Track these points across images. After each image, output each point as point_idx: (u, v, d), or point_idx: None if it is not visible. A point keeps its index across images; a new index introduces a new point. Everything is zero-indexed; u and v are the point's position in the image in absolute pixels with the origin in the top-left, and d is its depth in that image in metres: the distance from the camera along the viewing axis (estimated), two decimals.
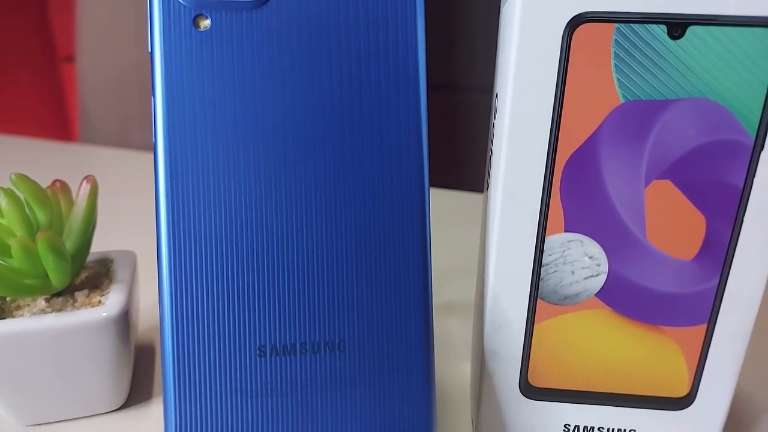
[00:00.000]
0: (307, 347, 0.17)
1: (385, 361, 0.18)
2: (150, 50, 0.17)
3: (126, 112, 0.67)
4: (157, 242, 0.18)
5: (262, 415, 0.17)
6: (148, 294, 0.28)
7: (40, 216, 0.21)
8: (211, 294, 0.17)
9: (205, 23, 0.17)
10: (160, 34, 0.17)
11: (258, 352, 0.17)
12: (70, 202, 0.23)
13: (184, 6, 0.17)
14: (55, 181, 0.24)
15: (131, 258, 0.24)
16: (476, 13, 0.57)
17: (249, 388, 0.17)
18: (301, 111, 0.18)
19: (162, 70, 0.17)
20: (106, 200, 0.47)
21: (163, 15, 0.17)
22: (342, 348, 0.18)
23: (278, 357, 0.17)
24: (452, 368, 0.27)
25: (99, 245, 0.25)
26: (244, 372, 0.17)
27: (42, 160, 0.55)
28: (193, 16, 0.17)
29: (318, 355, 0.17)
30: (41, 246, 0.20)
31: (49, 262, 0.20)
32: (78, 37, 0.69)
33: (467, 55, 0.63)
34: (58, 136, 0.91)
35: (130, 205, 0.42)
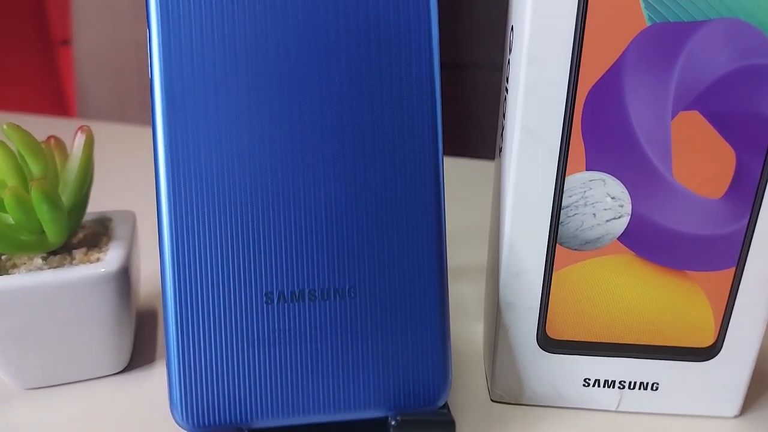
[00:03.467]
0: (316, 294, 0.16)
1: (398, 308, 0.17)
2: (147, 13, 0.16)
3: (124, 92, 0.66)
4: (155, 184, 0.17)
5: (270, 365, 0.16)
6: (149, 259, 0.27)
7: (34, 167, 0.20)
8: (214, 239, 0.16)
9: None
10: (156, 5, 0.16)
11: (265, 299, 0.16)
12: (65, 156, 0.22)
13: None
14: (50, 137, 0.23)
15: (131, 217, 0.23)
16: None
17: (255, 336, 0.16)
18: (305, 37, 0.16)
19: (159, 38, 0.16)
20: (105, 172, 0.46)
21: None
22: (353, 295, 0.17)
23: (286, 304, 0.16)
24: (464, 329, 0.26)
25: (97, 208, 0.25)
26: (251, 320, 0.16)
27: (39, 135, 0.54)
28: None
29: (327, 302, 0.16)
30: (35, 195, 0.19)
31: (43, 213, 0.19)
32: (73, 19, 0.68)
33: (470, 32, 0.61)
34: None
35: (130, 178, 0.41)
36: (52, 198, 0.19)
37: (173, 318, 0.16)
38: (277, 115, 0.16)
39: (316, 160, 0.17)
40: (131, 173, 0.43)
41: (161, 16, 0.16)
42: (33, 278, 0.19)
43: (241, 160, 0.16)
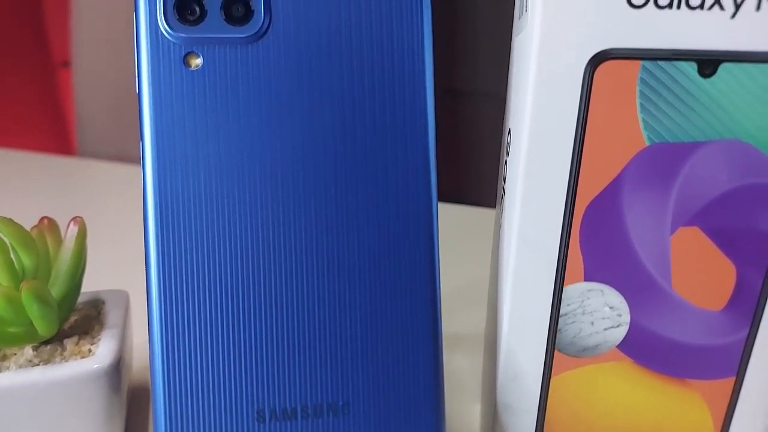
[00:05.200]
0: (309, 411, 0.16)
1: (392, 425, 0.16)
2: (138, 91, 0.16)
3: (124, 120, 0.66)
4: (147, 294, 0.16)
5: None
6: (144, 328, 0.27)
7: (26, 261, 0.20)
8: (205, 353, 0.16)
9: (197, 62, 0.16)
10: (149, 74, 0.16)
11: (257, 416, 0.16)
12: (59, 242, 0.22)
13: (174, 43, 0.16)
14: (43, 218, 0.22)
15: (123, 298, 0.23)
16: (479, 16, 0.55)
17: None
18: (301, 148, 0.16)
19: (151, 113, 0.16)
20: (103, 216, 0.46)
21: (151, 54, 0.16)
22: (346, 411, 0.16)
23: (278, 423, 0.16)
24: (461, 411, 0.25)
25: (94, 265, 0.24)
26: None
27: (38, 174, 0.54)
28: (183, 54, 0.16)
29: (320, 419, 0.16)
30: (25, 296, 0.18)
31: (33, 312, 0.19)
32: (73, 43, 0.68)
33: (470, 59, 0.61)
34: (55, 142, 0.90)
35: (129, 221, 0.41)
36: (42, 297, 0.19)
37: None
38: (270, 228, 0.16)
39: (309, 271, 0.16)
40: (128, 215, 0.43)
41: (156, 132, 0.16)
42: (23, 376, 0.19)
43: (233, 271, 0.16)
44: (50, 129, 0.95)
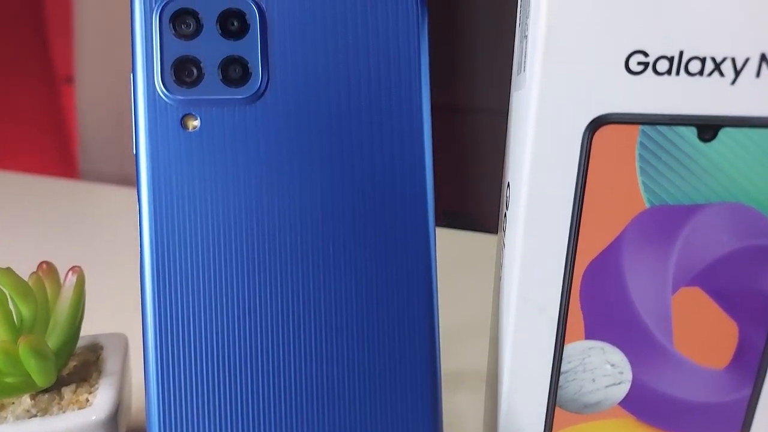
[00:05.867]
0: None
1: None
2: (135, 151, 0.16)
3: (128, 139, 0.66)
4: (144, 355, 0.16)
5: None
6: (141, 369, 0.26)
7: (24, 311, 0.20)
8: (202, 411, 0.16)
9: (194, 123, 0.16)
10: (146, 135, 0.16)
11: None
12: (57, 287, 0.22)
13: (171, 105, 0.16)
14: (42, 263, 0.22)
15: (122, 343, 0.23)
16: (478, 33, 0.56)
17: None
18: (297, 206, 0.16)
19: (148, 174, 0.16)
20: (106, 240, 0.46)
21: (148, 115, 0.16)
22: None
23: None
24: None
25: (91, 295, 0.24)
26: None
27: (41, 198, 0.54)
28: (180, 116, 0.16)
29: None
30: (23, 351, 0.18)
31: (31, 366, 0.19)
32: (77, 59, 0.68)
33: (468, 75, 0.61)
34: (57, 161, 0.90)
35: (129, 248, 0.41)
36: (40, 351, 0.19)
37: None
38: (268, 290, 0.16)
39: (307, 332, 0.16)
40: (128, 242, 0.43)
41: (154, 194, 0.16)
42: (21, 429, 0.19)
43: (230, 335, 0.16)
44: (52, 146, 0.95)
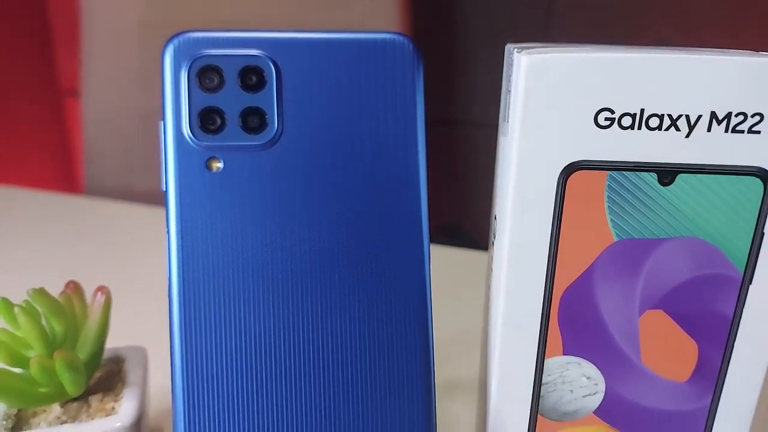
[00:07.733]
0: None
1: None
2: (164, 189, 0.18)
3: (133, 154, 0.67)
4: (171, 373, 0.18)
5: None
6: (159, 375, 0.28)
7: (57, 327, 0.22)
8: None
9: (218, 165, 0.18)
10: (175, 175, 0.18)
11: None
12: (84, 305, 0.24)
13: (197, 149, 0.18)
14: (69, 282, 0.24)
15: (142, 356, 0.25)
16: (475, 49, 0.58)
17: None
18: (308, 241, 0.18)
19: (176, 210, 0.18)
20: (115, 259, 0.47)
21: (177, 156, 0.18)
22: None
23: None
24: None
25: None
26: None
27: (46, 213, 0.55)
28: (205, 158, 0.18)
29: None
30: (59, 365, 0.20)
31: (65, 378, 0.21)
32: (83, 74, 0.69)
33: (466, 90, 0.63)
34: (63, 174, 0.91)
35: (140, 264, 0.43)
36: (74, 365, 0.21)
37: None
38: (283, 323, 0.18)
39: (317, 359, 0.18)
40: (139, 254, 0.44)
41: (181, 228, 0.18)
42: None
43: (250, 363, 0.18)
44: (56, 161, 0.96)
